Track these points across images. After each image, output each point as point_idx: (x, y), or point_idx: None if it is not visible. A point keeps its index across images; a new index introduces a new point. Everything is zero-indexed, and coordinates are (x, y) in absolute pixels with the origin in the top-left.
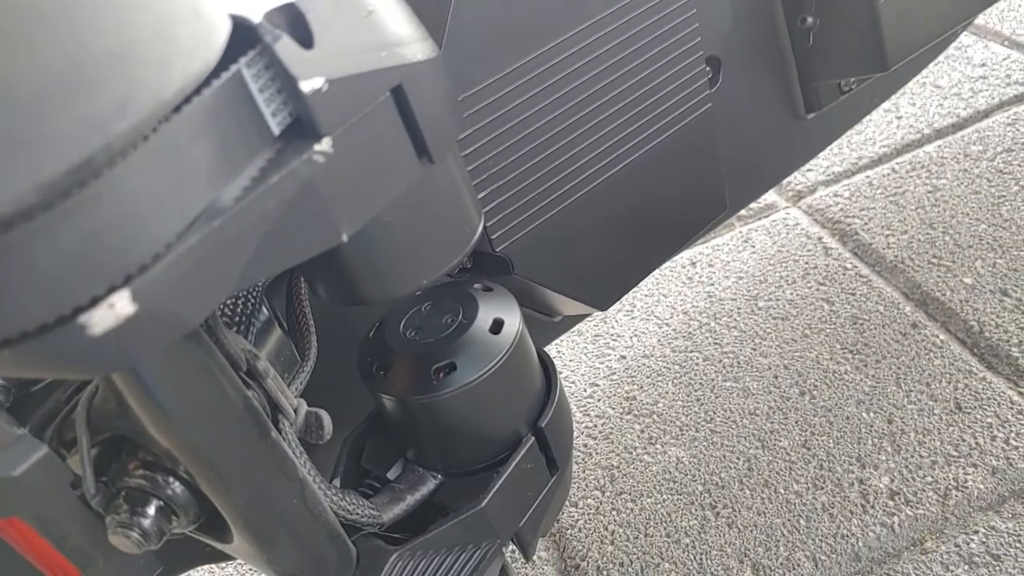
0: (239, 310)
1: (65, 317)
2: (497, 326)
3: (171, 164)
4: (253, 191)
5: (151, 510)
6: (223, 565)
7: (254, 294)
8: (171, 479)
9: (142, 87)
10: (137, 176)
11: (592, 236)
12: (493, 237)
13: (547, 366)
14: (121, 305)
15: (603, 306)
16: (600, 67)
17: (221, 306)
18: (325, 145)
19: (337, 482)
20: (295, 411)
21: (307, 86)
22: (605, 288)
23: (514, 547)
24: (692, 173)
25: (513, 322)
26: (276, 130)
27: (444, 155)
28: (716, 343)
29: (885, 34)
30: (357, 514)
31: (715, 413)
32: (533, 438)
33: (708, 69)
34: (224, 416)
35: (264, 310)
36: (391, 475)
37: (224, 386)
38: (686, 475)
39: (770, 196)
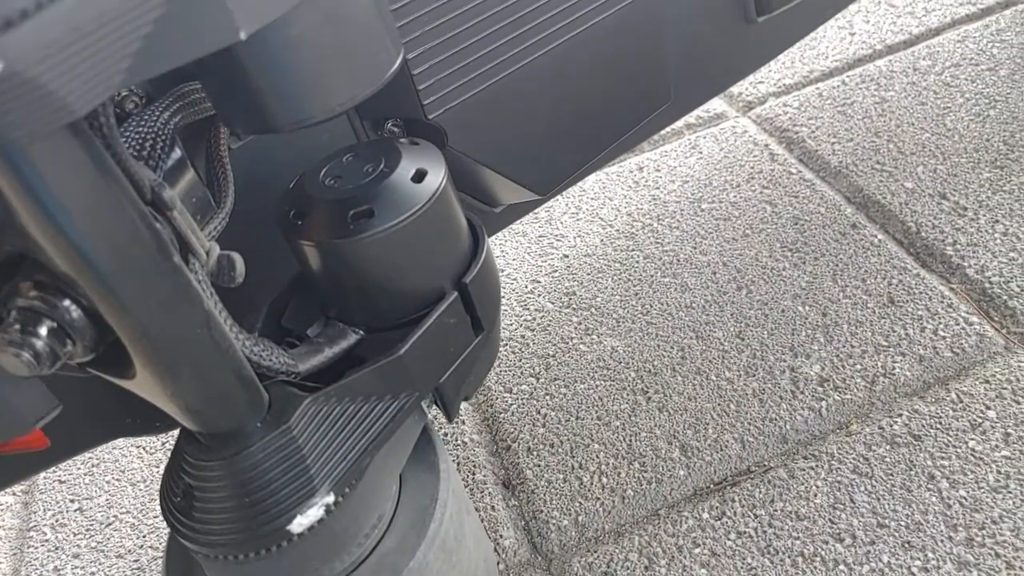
0: (147, 146)
1: None
2: (420, 176)
3: None
4: None
5: (43, 330)
6: (151, 449)
7: (165, 133)
8: (67, 302)
9: None
10: None
11: (531, 114)
12: (426, 103)
13: (475, 228)
14: None
15: (542, 191)
16: None
17: (128, 140)
18: None
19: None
20: (207, 253)
21: None
22: (544, 172)
23: (437, 412)
24: (636, 58)
25: (437, 173)
26: None
27: None
28: (658, 242)
29: None
30: (271, 360)
31: (651, 306)
32: (456, 294)
33: None
34: (122, 236)
35: (177, 151)
36: (311, 333)
37: (123, 205)
38: (620, 363)
39: (720, 106)
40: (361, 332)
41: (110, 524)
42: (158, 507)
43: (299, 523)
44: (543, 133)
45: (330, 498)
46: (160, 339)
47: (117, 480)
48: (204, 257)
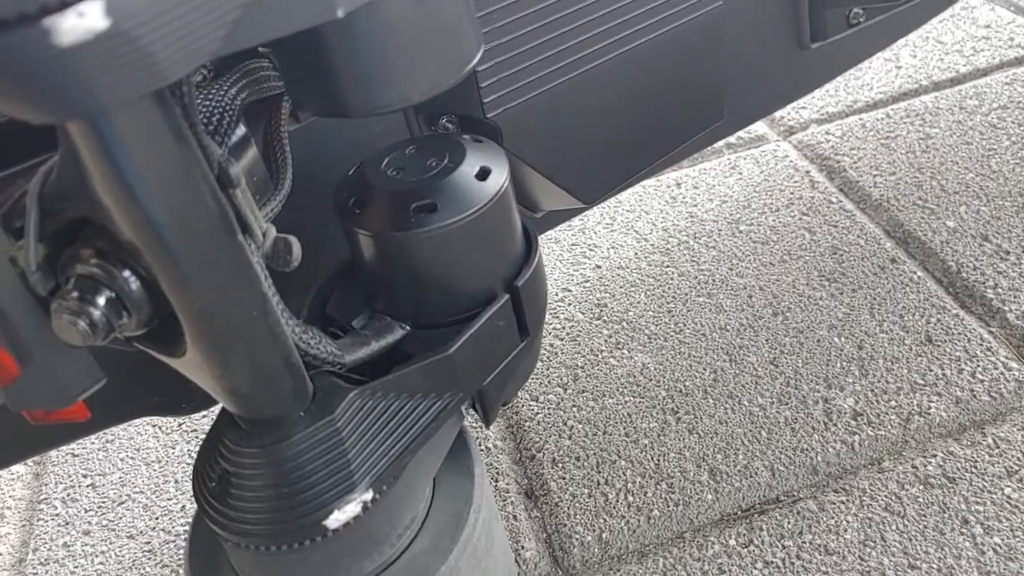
0: (215, 120)
1: (28, 16)
2: (484, 174)
3: None
4: None
5: (101, 300)
6: (167, 430)
7: (232, 108)
8: (128, 272)
9: None
10: None
11: (587, 121)
12: (486, 101)
13: (528, 232)
14: (93, 16)
15: (588, 199)
16: None
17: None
18: None
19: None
20: (264, 234)
21: None
22: (592, 180)
23: (474, 414)
24: (694, 73)
25: (501, 172)
26: None
27: None
28: (693, 260)
29: None
30: (318, 349)
31: (685, 325)
32: (507, 297)
33: None
34: (190, 207)
35: (242, 127)
36: (356, 324)
37: (196, 178)
38: (650, 380)
39: (761, 129)
40: (407, 327)
41: (122, 503)
42: (171, 488)
43: (335, 518)
44: (596, 141)
45: (368, 495)
46: (216, 317)
47: (132, 458)
48: (261, 238)
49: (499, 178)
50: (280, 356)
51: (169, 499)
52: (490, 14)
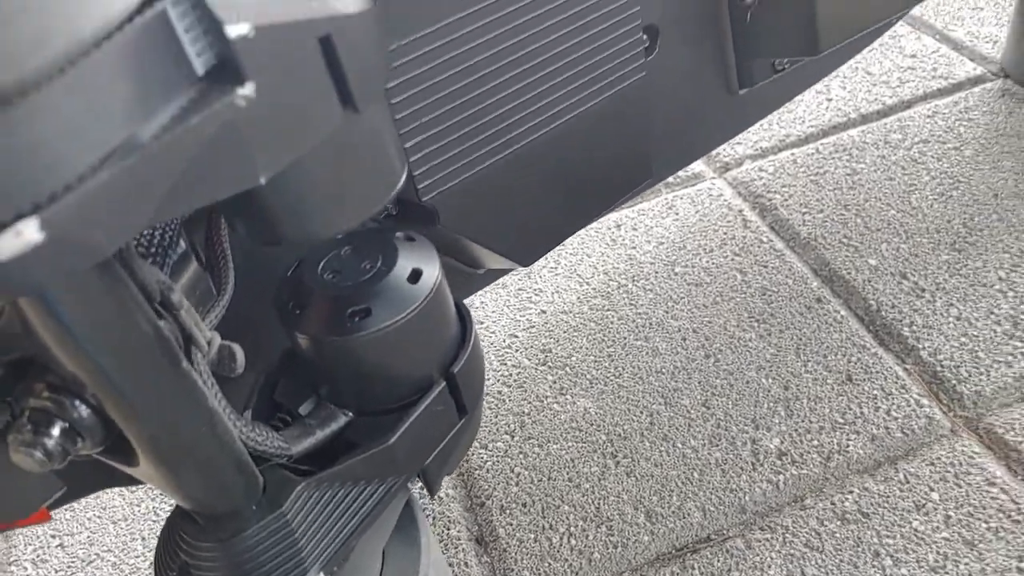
0: (156, 242)
1: None
2: (415, 276)
3: (87, 98)
4: (171, 130)
5: (55, 431)
6: (132, 488)
7: (172, 227)
8: (77, 402)
9: (60, 22)
10: (51, 108)
11: (519, 194)
12: (420, 187)
13: (464, 316)
14: (28, 233)
15: (525, 262)
16: (538, 27)
17: (137, 237)
18: (248, 90)
19: (249, 414)
20: (208, 344)
21: (233, 31)
22: (528, 245)
23: (421, 483)
24: (621, 140)
25: (431, 273)
26: (200, 70)
27: (368, 105)
28: (632, 304)
29: (819, 20)
30: (266, 445)
31: (624, 369)
32: (444, 383)
33: (646, 38)
34: (133, 344)
35: (182, 243)
36: (303, 410)
37: (134, 314)
38: (592, 425)
39: (698, 166)
40: (351, 415)
41: (91, 562)
42: (139, 545)
43: None
44: (528, 211)
45: None
46: (164, 438)
47: (99, 517)
48: (206, 348)
49: (430, 279)
50: (231, 461)
51: (137, 556)
52: (416, 111)
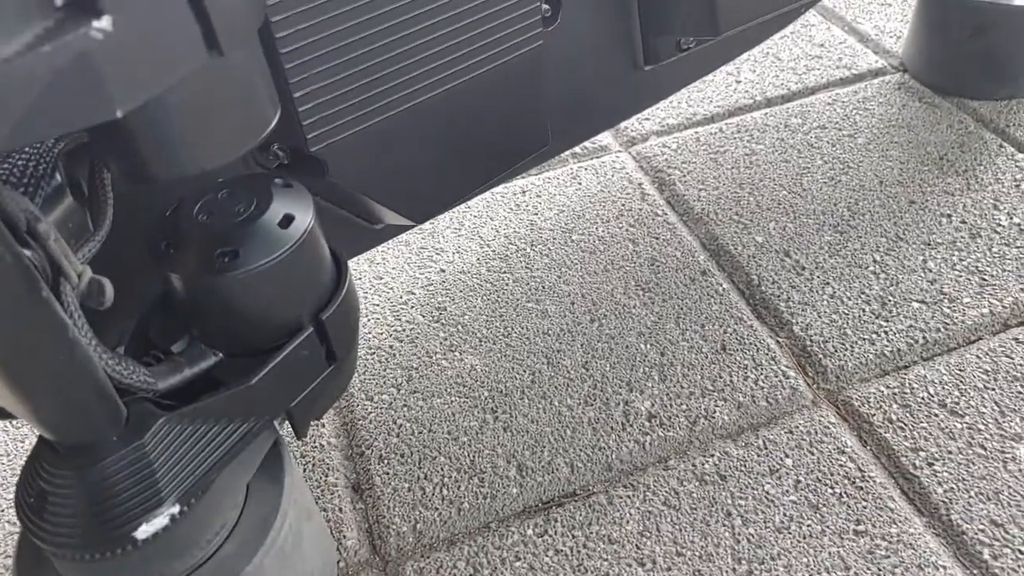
0: (28, 172)
1: None
2: (287, 220)
3: None
4: (24, 55)
5: None
6: (18, 424)
7: (47, 159)
8: None
9: None
10: None
11: (411, 151)
12: (309, 136)
13: (340, 263)
14: None
15: (417, 219)
16: None
17: (8, 167)
18: (104, 23)
19: (121, 350)
20: (79, 276)
21: None
22: (420, 203)
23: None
24: (516, 105)
25: (304, 219)
26: (59, 1)
27: (234, 49)
28: (528, 267)
29: (719, 2)
30: (131, 379)
31: (513, 329)
32: (312, 329)
33: (547, 7)
34: None
35: (58, 176)
36: (175, 349)
37: None
38: (476, 381)
39: (605, 139)
40: (220, 355)
41: None
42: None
43: (144, 530)
44: (420, 170)
45: (175, 508)
46: (21, 365)
47: None
48: (76, 280)
49: (301, 225)
50: (91, 390)
51: (12, 495)
52: (307, 60)
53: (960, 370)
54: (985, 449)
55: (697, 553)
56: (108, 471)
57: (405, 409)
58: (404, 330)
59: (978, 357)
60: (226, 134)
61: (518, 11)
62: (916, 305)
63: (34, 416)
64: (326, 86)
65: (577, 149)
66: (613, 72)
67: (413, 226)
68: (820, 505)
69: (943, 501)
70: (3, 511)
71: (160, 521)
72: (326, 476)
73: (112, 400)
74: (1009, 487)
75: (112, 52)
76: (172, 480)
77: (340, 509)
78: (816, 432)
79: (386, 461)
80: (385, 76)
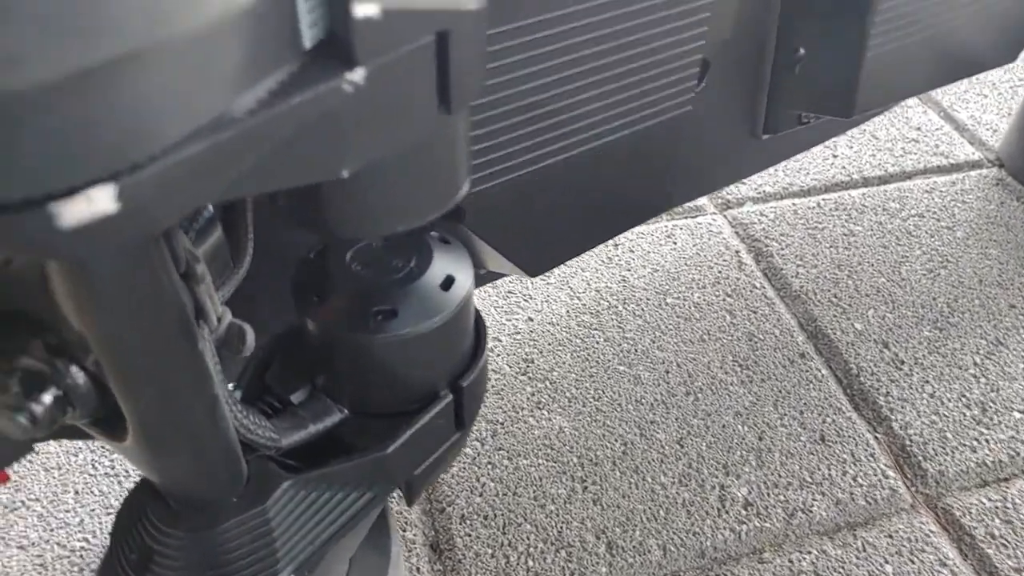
0: None
1: (33, 201)
2: (448, 283)
3: (193, 63)
4: (269, 107)
5: (47, 398)
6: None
7: None
8: (75, 368)
9: None
10: (157, 70)
11: (543, 205)
12: None
13: (479, 327)
14: (102, 201)
15: (533, 273)
16: (605, 44)
17: None
18: (357, 75)
19: (238, 395)
20: (219, 319)
21: (361, 10)
22: (540, 257)
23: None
24: (652, 166)
25: (464, 281)
26: (307, 43)
27: (462, 108)
28: (619, 326)
29: (861, 85)
30: (257, 435)
31: (604, 392)
32: (451, 396)
33: (696, 71)
34: (155, 314)
35: (210, 206)
36: (295, 399)
37: (162, 282)
38: (565, 445)
39: (701, 199)
40: (345, 411)
41: (15, 509)
42: (70, 499)
43: None
44: (549, 225)
45: None
46: (163, 418)
47: (29, 462)
48: (216, 323)
49: (462, 289)
50: (222, 447)
51: (67, 511)
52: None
53: None
54: None
55: None
56: (226, 536)
57: (489, 467)
58: (490, 380)
59: None
60: (422, 198)
61: (679, 73)
62: (1018, 415)
63: (160, 470)
64: (483, 134)
65: None
66: (731, 139)
67: (512, 275)
68: None
69: None
70: (53, 531)
71: None
72: (404, 532)
73: (238, 460)
74: None
75: (358, 108)
76: (290, 550)
77: (417, 569)
78: (916, 540)
79: (468, 522)
80: (542, 128)
